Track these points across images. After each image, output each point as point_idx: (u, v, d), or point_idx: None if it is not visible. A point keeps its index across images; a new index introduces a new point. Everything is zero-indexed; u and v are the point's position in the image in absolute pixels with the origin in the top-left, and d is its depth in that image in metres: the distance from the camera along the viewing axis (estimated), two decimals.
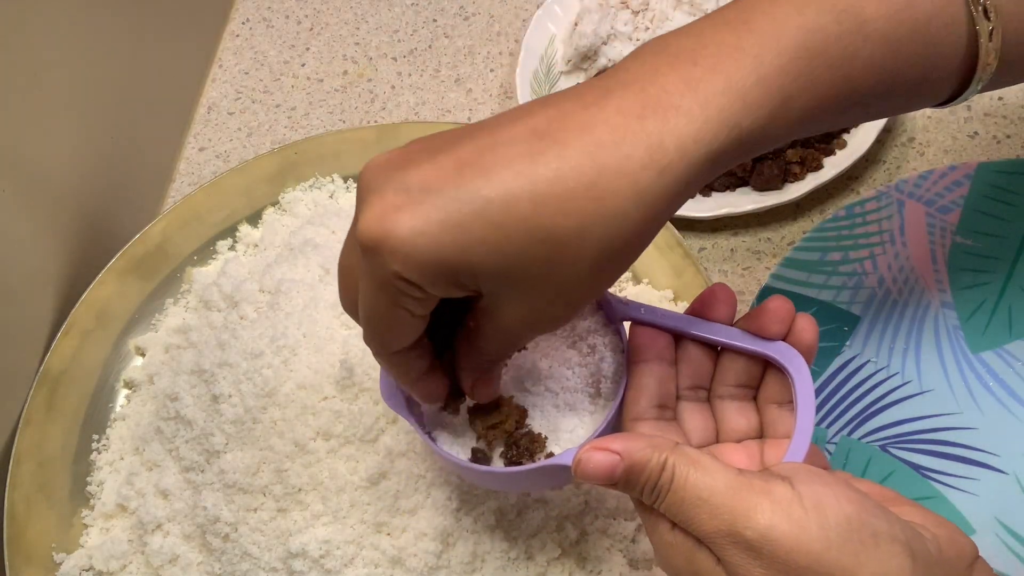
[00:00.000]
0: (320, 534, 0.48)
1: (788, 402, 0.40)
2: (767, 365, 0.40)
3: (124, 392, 0.59)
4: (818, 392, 0.55)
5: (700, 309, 0.40)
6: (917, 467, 0.53)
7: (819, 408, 0.55)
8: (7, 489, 0.53)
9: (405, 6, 0.79)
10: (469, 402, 0.42)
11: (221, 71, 0.77)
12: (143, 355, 0.60)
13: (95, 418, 0.57)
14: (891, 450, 0.53)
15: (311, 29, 0.79)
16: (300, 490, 0.49)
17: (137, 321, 0.60)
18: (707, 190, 0.63)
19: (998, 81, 0.41)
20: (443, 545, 0.48)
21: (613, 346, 0.42)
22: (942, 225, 0.59)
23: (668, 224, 0.58)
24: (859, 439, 0.54)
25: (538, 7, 0.73)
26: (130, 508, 0.53)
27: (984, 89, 0.41)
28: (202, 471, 0.52)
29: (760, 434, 0.41)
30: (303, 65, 0.77)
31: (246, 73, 0.77)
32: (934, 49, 0.38)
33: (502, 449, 0.42)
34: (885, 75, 0.37)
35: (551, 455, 0.41)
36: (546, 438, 0.41)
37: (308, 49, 0.78)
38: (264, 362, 0.51)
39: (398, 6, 0.79)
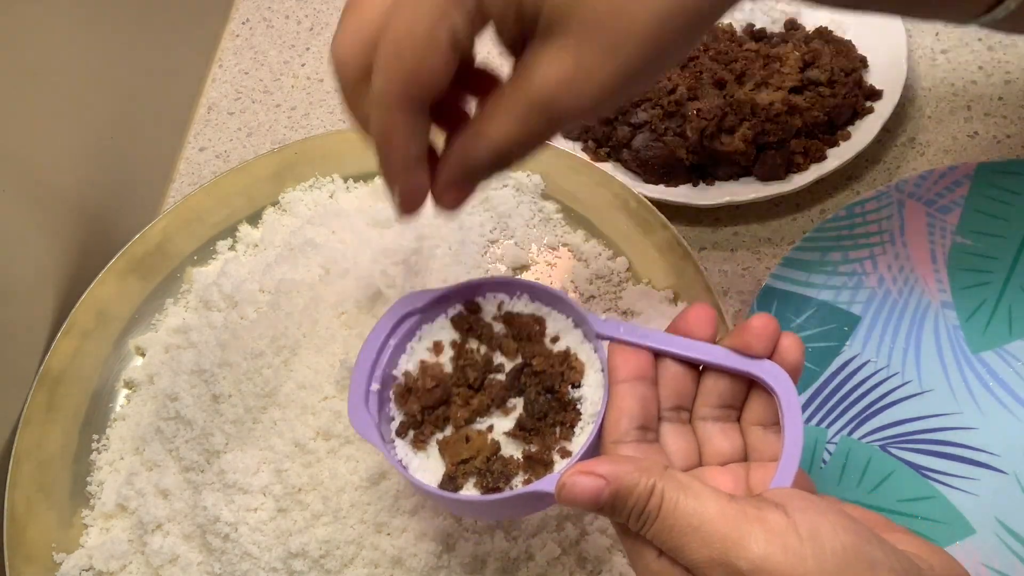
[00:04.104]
0: (320, 534, 0.48)
1: (773, 424, 0.39)
2: (751, 385, 0.39)
3: (124, 392, 0.59)
4: (818, 392, 0.55)
5: (680, 328, 0.39)
6: (917, 467, 0.53)
7: (819, 408, 0.55)
8: (7, 489, 0.53)
9: None
10: (439, 435, 0.41)
11: (221, 71, 0.77)
12: (143, 355, 0.60)
13: (95, 418, 0.57)
14: (891, 450, 0.53)
15: (311, 29, 0.79)
16: (300, 490, 0.49)
17: (137, 321, 0.60)
18: (710, 179, 0.63)
19: None
20: (443, 546, 0.48)
21: (592, 365, 0.41)
22: (942, 225, 0.59)
23: (668, 224, 0.58)
24: (859, 439, 0.54)
25: None
26: (130, 508, 0.53)
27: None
28: (202, 471, 0.52)
29: (744, 457, 0.39)
30: (303, 65, 0.77)
31: (246, 73, 0.77)
32: None
33: (475, 478, 0.40)
34: None
35: (529, 480, 0.39)
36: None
37: (308, 49, 0.78)
38: (264, 362, 0.51)
39: None
